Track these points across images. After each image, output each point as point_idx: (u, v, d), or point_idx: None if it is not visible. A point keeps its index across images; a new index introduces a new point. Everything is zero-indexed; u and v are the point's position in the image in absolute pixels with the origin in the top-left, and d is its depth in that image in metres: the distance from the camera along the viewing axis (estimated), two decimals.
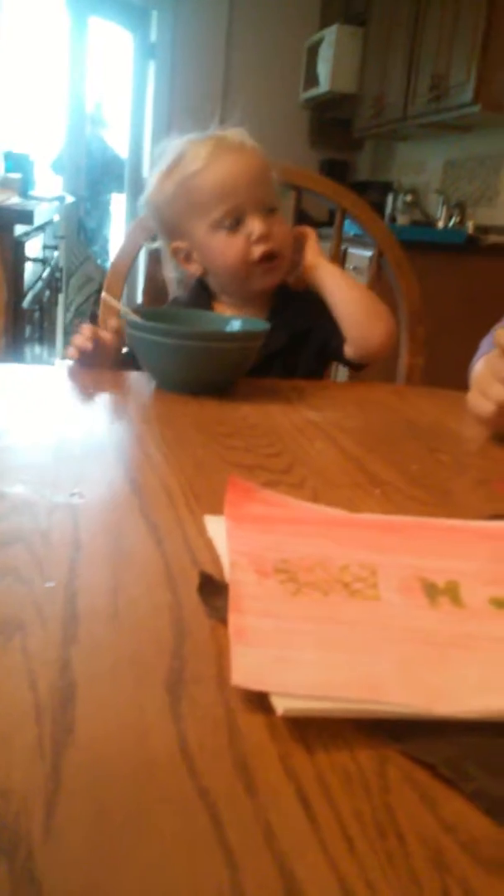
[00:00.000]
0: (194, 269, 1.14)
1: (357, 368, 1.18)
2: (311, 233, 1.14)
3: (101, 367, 1.01)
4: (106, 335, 1.01)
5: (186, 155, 1.07)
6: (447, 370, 1.51)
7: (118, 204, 4.88)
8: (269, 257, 1.07)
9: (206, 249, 1.09)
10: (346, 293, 1.10)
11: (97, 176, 4.59)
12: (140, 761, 0.30)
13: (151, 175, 1.13)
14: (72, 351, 1.01)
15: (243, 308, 1.12)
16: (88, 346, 1.00)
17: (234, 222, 1.06)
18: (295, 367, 1.12)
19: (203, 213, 1.07)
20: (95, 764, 0.30)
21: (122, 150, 4.79)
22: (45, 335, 3.25)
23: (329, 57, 4.21)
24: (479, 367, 0.87)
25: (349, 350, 1.11)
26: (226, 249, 1.07)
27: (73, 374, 0.99)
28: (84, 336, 1.01)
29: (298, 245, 1.13)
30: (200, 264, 1.12)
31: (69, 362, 1.02)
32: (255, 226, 1.05)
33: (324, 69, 4.28)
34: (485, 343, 1.05)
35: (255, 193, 1.05)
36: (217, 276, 1.12)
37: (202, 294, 1.17)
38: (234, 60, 4.61)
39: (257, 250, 1.06)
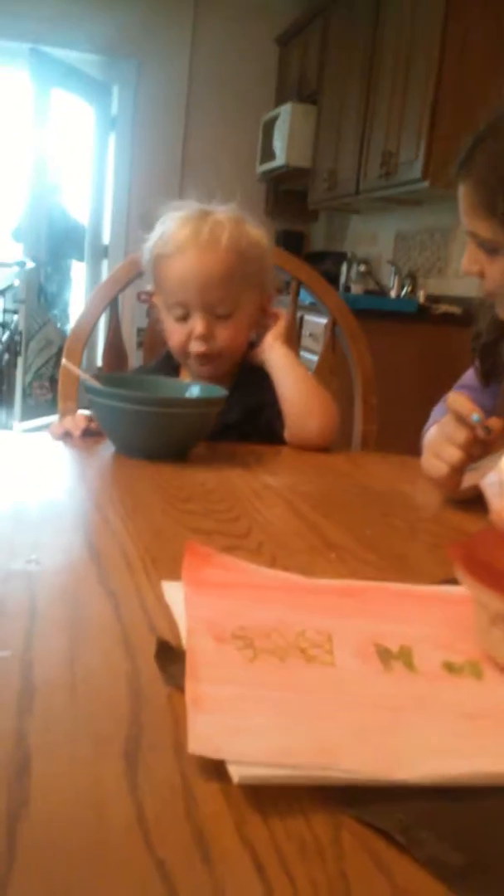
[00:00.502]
0: (162, 329, 1.19)
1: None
2: (280, 317, 1.17)
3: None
4: (94, 427, 1.02)
5: (166, 234, 1.12)
6: (400, 436, 1.54)
7: (78, 270, 4.95)
8: (201, 356, 1.12)
9: (160, 315, 1.17)
10: (289, 383, 1.14)
11: (58, 242, 4.65)
12: (96, 833, 0.30)
13: (153, 230, 1.16)
14: (58, 430, 1.02)
15: (208, 380, 1.13)
16: (76, 434, 1.02)
17: (183, 314, 1.12)
18: (248, 439, 1.14)
19: (163, 291, 1.14)
20: (50, 837, 0.30)
21: (82, 217, 4.87)
22: (3, 398, 3.24)
23: (284, 133, 4.37)
24: (433, 431, 0.90)
25: (287, 435, 1.13)
26: (171, 333, 1.15)
27: (35, 440, 0.99)
28: (76, 424, 1.02)
29: (265, 326, 1.17)
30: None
31: (49, 436, 1.02)
32: (195, 326, 1.11)
33: (279, 144, 4.43)
34: (436, 411, 1.08)
35: (205, 297, 1.10)
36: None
37: (170, 362, 1.20)
38: (194, 133, 4.76)
39: (193, 347, 1.12)
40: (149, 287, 1.20)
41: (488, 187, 0.85)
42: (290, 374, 1.14)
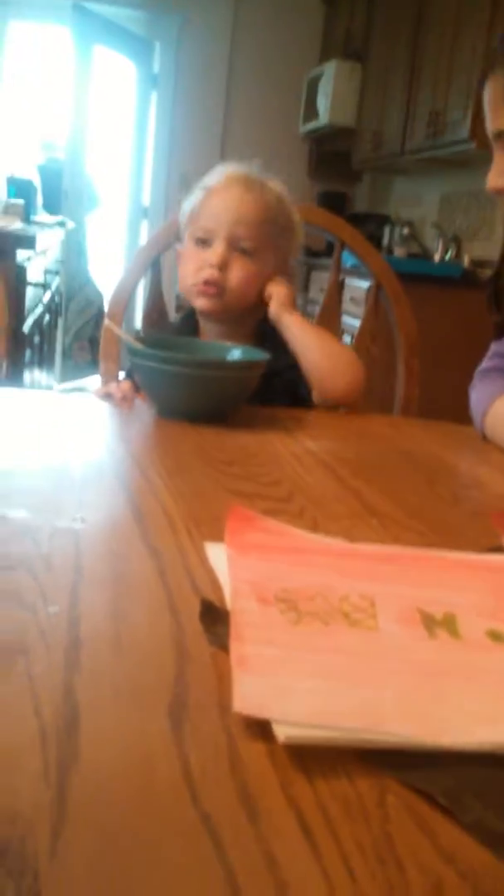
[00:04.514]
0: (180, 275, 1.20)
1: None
2: (277, 287, 1.15)
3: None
4: (135, 398, 1.02)
5: (214, 172, 1.17)
6: (442, 402, 1.52)
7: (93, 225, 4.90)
8: (208, 283, 1.11)
9: (181, 257, 1.17)
10: (308, 345, 1.12)
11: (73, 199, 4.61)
12: (143, 787, 0.30)
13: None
14: (102, 392, 1.03)
15: (226, 338, 1.13)
16: (116, 398, 1.02)
17: (203, 242, 1.13)
18: (270, 402, 1.13)
19: (193, 223, 1.15)
20: (100, 789, 0.30)
21: (91, 167, 4.77)
22: (44, 359, 3.26)
23: (328, 91, 4.28)
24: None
25: (315, 397, 1.13)
26: (187, 260, 1.15)
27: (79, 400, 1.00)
28: (120, 392, 1.02)
29: (267, 299, 1.15)
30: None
31: (93, 397, 1.03)
32: (213, 252, 1.11)
33: (323, 103, 4.35)
34: (479, 373, 1.06)
35: (233, 229, 1.11)
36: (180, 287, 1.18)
37: (189, 323, 1.21)
38: (236, 92, 4.69)
39: (201, 273, 1.12)
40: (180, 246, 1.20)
41: None
42: (306, 336, 1.13)
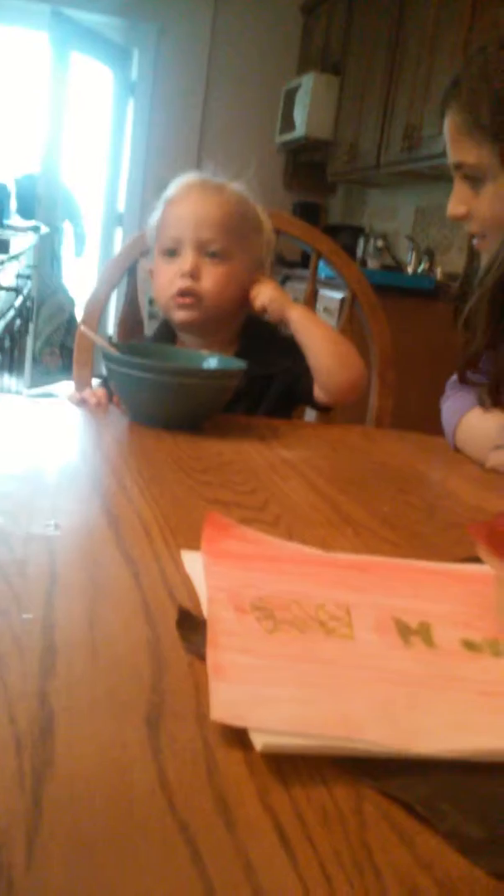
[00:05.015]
0: (153, 293, 1.19)
1: (324, 410, 1.20)
2: (263, 285, 1.15)
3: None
4: (107, 405, 1.03)
5: (172, 184, 1.17)
6: (414, 412, 1.53)
7: (90, 237, 4.92)
8: (184, 294, 1.11)
9: (153, 272, 1.17)
10: (318, 340, 1.13)
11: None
12: (120, 795, 0.30)
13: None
14: (76, 398, 1.03)
15: (203, 346, 1.13)
16: (90, 404, 1.02)
17: (174, 251, 1.12)
18: (256, 410, 1.14)
19: (160, 237, 1.15)
20: (75, 797, 0.30)
21: (71, 181, 4.80)
22: (14, 364, 3.24)
23: (306, 103, 4.32)
24: (477, 419, 0.91)
25: (319, 393, 1.13)
26: (158, 275, 1.15)
27: (51, 406, 1.00)
28: (94, 398, 1.02)
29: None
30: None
31: (66, 401, 1.04)
32: (183, 261, 1.11)
33: (300, 114, 4.38)
34: (450, 385, 1.07)
35: (198, 234, 1.11)
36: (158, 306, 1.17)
37: (166, 332, 1.20)
38: (213, 101, 4.71)
39: (176, 283, 1.11)
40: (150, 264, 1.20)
41: (473, 100, 0.87)
42: (317, 330, 1.14)
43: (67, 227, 4.78)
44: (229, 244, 1.12)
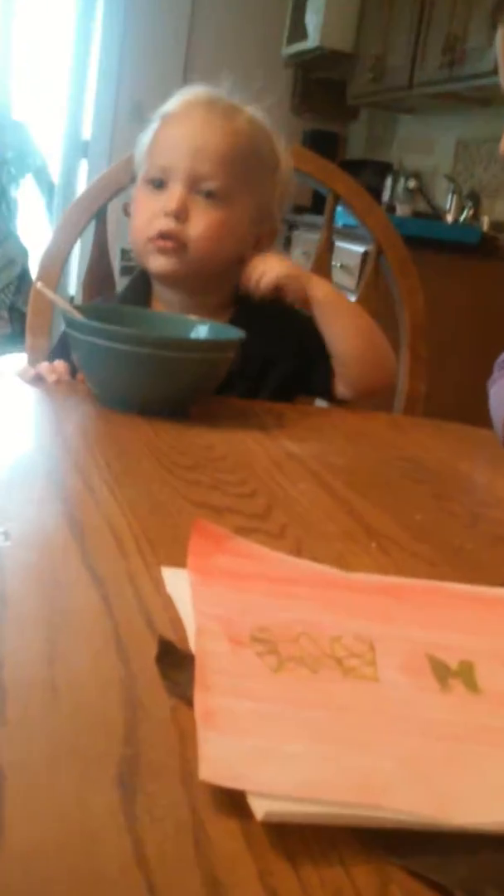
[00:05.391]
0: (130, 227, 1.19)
1: (340, 403, 1.21)
2: (273, 265, 1.15)
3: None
4: (69, 384, 1.03)
5: (174, 97, 1.16)
6: (453, 397, 1.54)
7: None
8: (164, 237, 1.10)
9: (132, 206, 1.17)
10: (349, 326, 1.15)
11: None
12: (86, 874, 0.30)
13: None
14: (30, 375, 1.03)
15: (188, 310, 1.13)
16: (48, 382, 1.02)
17: (159, 185, 1.11)
18: (254, 396, 1.14)
19: (146, 162, 1.15)
20: (29, 876, 0.30)
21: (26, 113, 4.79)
22: None
23: (319, 5, 4.30)
24: None
25: (341, 388, 1.15)
26: (138, 210, 1.14)
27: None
28: (53, 375, 1.03)
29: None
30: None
31: (17, 379, 1.03)
32: (169, 197, 1.10)
33: (313, 20, 4.36)
34: (499, 365, 1.08)
35: (195, 164, 1.09)
36: (130, 243, 1.17)
37: (141, 289, 1.20)
38: (203, 2, 4.69)
39: (155, 225, 1.10)
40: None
41: None
42: (347, 314, 1.16)
43: (28, 182, 4.78)
44: (231, 184, 1.11)
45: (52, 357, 1.11)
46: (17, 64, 4.53)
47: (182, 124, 1.12)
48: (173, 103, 1.15)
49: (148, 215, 1.11)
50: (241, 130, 1.12)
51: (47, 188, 4.84)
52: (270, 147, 1.16)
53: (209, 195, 1.10)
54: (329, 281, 1.23)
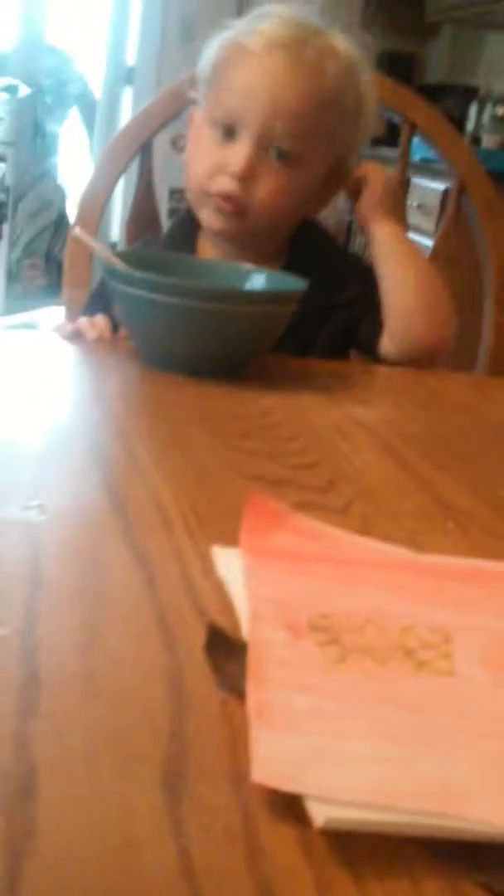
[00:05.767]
0: (184, 157, 1.18)
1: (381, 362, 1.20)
2: (375, 173, 1.16)
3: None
4: (111, 341, 1.04)
5: (259, 23, 1.12)
6: None
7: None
8: (225, 198, 1.09)
9: (192, 140, 1.16)
10: (409, 270, 1.14)
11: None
12: (126, 882, 0.31)
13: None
14: (69, 330, 1.04)
15: (239, 257, 1.12)
16: (89, 339, 1.03)
17: (227, 133, 1.09)
18: (306, 354, 1.13)
19: (215, 97, 1.12)
20: (65, 883, 0.31)
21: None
22: None
23: None
24: None
25: (389, 345, 1.14)
26: (200, 153, 1.12)
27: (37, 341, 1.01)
28: (94, 331, 1.04)
29: (356, 187, 1.16)
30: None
31: (54, 335, 1.04)
32: (236, 154, 1.08)
33: None
34: None
35: (271, 118, 1.07)
36: (185, 182, 1.16)
37: (187, 230, 1.21)
38: None
39: (218, 182, 1.09)
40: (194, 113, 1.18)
41: None
42: (410, 257, 1.15)
43: (70, 115, 4.79)
44: (307, 144, 1.10)
45: (88, 310, 1.12)
46: None
47: (262, 68, 1.09)
48: (250, 32, 1.11)
49: (210, 165, 1.10)
50: (329, 82, 1.10)
51: (90, 119, 4.85)
52: (357, 93, 1.14)
53: (281, 155, 1.09)
54: (402, 225, 1.22)
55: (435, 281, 1.16)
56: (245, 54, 1.10)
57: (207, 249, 1.19)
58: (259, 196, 1.09)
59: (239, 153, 1.08)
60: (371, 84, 1.16)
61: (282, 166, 1.09)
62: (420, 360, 1.13)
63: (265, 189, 1.09)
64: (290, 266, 1.12)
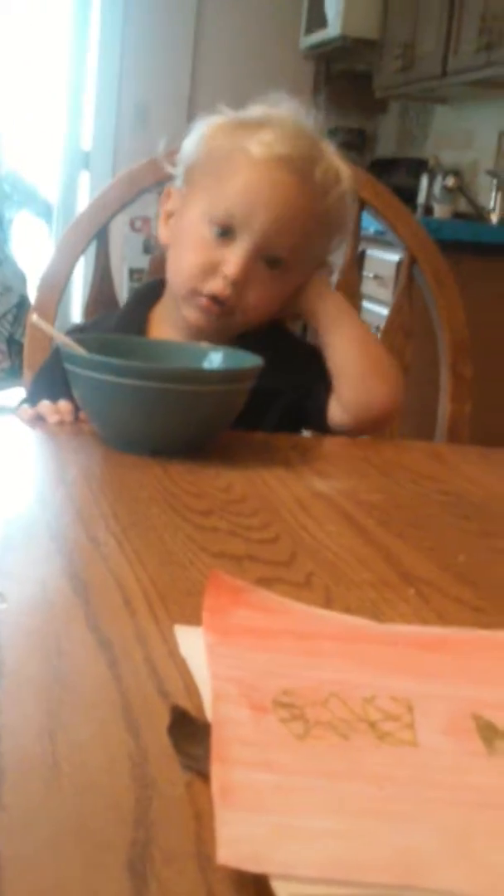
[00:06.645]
0: (161, 236, 1.18)
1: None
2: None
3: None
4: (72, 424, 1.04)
5: (265, 128, 1.11)
6: (501, 420, 1.53)
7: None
8: (215, 301, 1.10)
9: (182, 234, 1.14)
10: (349, 341, 1.15)
11: None
12: None
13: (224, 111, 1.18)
14: (30, 415, 1.04)
15: (195, 338, 1.13)
16: (50, 422, 1.03)
17: (222, 234, 1.09)
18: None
19: (211, 197, 1.11)
20: None
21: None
22: None
23: None
24: None
25: (339, 414, 1.14)
26: (192, 253, 1.11)
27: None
28: (55, 415, 1.04)
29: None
30: (167, 239, 1.17)
31: (16, 419, 1.05)
32: (231, 260, 1.08)
33: (333, 5, 4.41)
34: None
35: (272, 232, 1.08)
36: (167, 270, 1.16)
37: (140, 307, 1.22)
38: None
39: (210, 284, 1.09)
40: (173, 185, 1.18)
41: None
42: (352, 324, 1.17)
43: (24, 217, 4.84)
44: (299, 256, 1.12)
45: (36, 391, 1.12)
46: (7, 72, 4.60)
47: (270, 180, 1.09)
48: (259, 143, 1.10)
49: (202, 263, 1.10)
50: (330, 204, 1.13)
51: (45, 213, 4.90)
52: (344, 202, 1.16)
53: (273, 263, 1.10)
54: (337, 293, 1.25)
55: (376, 340, 1.20)
56: (250, 161, 1.09)
57: (163, 329, 1.19)
58: (249, 300, 1.10)
59: (236, 256, 1.08)
60: (355, 191, 1.20)
61: (273, 274, 1.11)
62: (375, 422, 1.15)
63: (255, 295, 1.10)
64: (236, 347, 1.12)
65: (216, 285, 1.09)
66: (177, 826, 0.38)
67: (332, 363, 1.14)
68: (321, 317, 1.16)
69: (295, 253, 1.11)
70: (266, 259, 1.10)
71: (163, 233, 1.18)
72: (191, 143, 1.16)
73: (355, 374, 1.13)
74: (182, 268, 1.12)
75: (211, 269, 1.09)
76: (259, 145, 1.10)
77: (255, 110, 1.15)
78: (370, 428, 1.15)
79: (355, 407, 1.13)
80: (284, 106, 1.16)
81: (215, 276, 1.09)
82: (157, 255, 1.31)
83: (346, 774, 0.42)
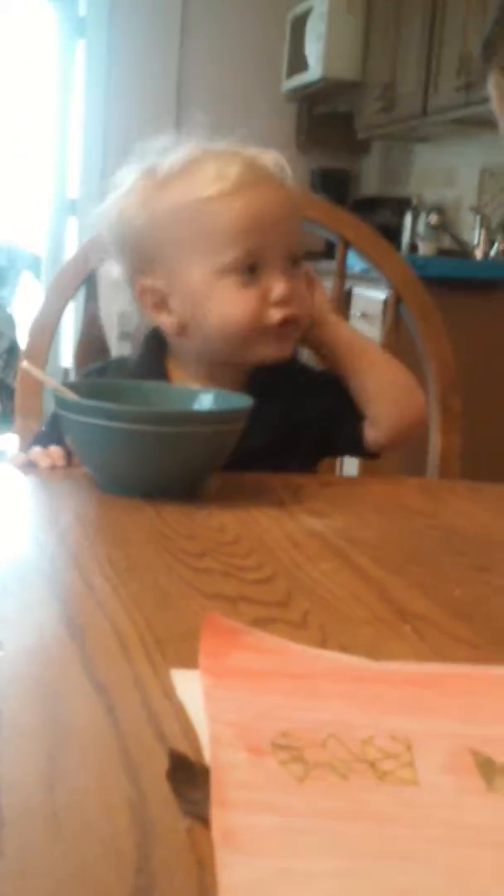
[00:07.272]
0: (167, 323, 1.14)
1: (372, 456, 1.21)
2: (317, 284, 1.20)
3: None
4: (66, 466, 1.05)
5: (205, 168, 1.10)
6: (492, 455, 1.53)
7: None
8: (287, 324, 1.10)
9: (202, 299, 1.10)
10: (379, 362, 1.19)
11: None
12: None
13: (124, 178, 1.16)
14: (22, 461, 1.05)
15: (211, 381, 1.13)
16: (42, 468, 1.04)
17: (249, 271, 1.08)
18: (285, 468, 1.13)
19: (210, 251, 1.09)
20: None
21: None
22: None
23: (320, 31, 4.39)
24: None
25: (373, 434, 1.16)
26: (235, 305, 1.08)
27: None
28: (47, 460, 1.04)
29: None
30: (179, 317, 1.12)
31: (8, 466, 1.05)
32: (276, 283, 1.08)
33: (314, 49, 4.46)
34: None
35: (285, 240, 1.10)
36: (208, 336, 1.12)
37: (154, 355, 1.20)
38: (194, 36, 4.79)
39: (277, 314, 1.08)
40: (144, 278, 1.13)
41: None
42: (374, 352, 1.20)
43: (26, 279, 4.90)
44: (302, 240, 1.15)
45: (41, 439, 1.12)
46: None
47: (255, 201, 1.09)
48: (215, 179, 1.09)
49: (251, 309, 1.08)
50: (294, 185, 1.16)
51: (33, 266, 4.95)
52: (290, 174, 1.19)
53: (296, 264, 1.12)
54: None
55: (392, 358, 1.22)
56: (231, 198, 1.08)
57: (178, 374, 1.18)
58: (302, 305, 1.12)
59: (278, 280, 1.09)
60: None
61: (297, 270, 1.12)
62: (412, 436, 1.19)
63: (300, 294, 1.12)
64: (254, 387, 1.10)
65: (279, 313, 1.09)
66: (179, 872, 0.38)
67: (364, 387, 1.16)
68: (340, 345, 1.18)
69: (302, 244, 1.14)
70: (291, 263, 1.11)
71: (167, 319, 1.13)
72: (125, 226, 1.15)
73: (391, 395, 1.16)
74: (229, 323, 1.09)
75: (263, 305, 1.09)
76: (217, 180, 1.09)
77: (161, 166, 1.12)
78: (407, 442, 1.20)
79: (397, 424, 1.16)
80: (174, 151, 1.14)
81: (270, 307, 1.09)
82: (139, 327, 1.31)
83: (347, 815, 0.42)
